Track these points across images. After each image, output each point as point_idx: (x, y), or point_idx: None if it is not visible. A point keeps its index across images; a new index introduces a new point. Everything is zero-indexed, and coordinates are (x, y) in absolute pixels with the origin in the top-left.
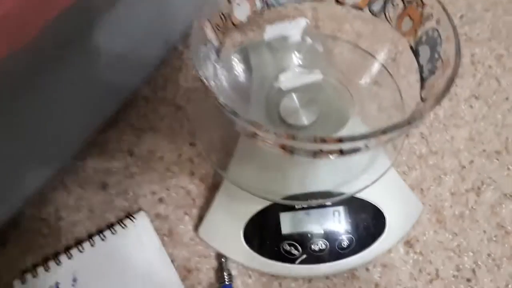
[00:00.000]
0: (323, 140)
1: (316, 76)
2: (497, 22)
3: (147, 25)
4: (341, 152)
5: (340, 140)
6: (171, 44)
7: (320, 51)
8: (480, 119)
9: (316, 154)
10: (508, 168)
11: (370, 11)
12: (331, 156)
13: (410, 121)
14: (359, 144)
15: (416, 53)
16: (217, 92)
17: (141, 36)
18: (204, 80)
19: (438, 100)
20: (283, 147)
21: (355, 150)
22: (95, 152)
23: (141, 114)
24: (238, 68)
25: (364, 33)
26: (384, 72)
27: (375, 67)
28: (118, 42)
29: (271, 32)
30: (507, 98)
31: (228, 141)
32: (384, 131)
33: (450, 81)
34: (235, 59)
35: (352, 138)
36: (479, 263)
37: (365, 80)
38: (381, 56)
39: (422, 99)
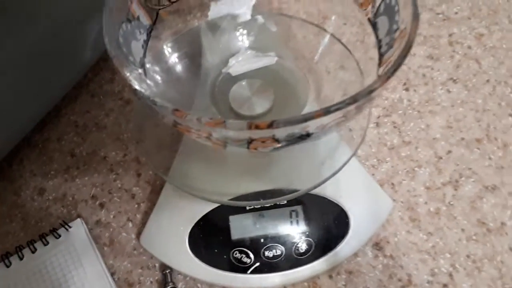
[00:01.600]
0: (252, 126)
1: (269, 59)
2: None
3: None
4: (277, 141)
5: (271, 124)
6: None
7: (273, 31)
8: (459, 105)
9: (249, 144)
10: (490, 158)
11: None
12: (266, 147)
13: (356, 99)
14: (296, 129)
15: (374, 26)
16: (134, 78)
17: (83, 17)
18: (116, 62)
19: (389, 75)
20: (211, 137)
21: (294, 138)
22: (33, 153)
23: (85, 109)
24: (175, 54)
25: (321, 10)
26: (346, 53)
27: (335, 47)
28: (58, 15)
29: (216, 10)
30: (488, 81)
31: (175, 140)
32: (326, 111)
33: (405, 50)
34: (172, 44)
35: (286, 122)
36: (457, 266)
37: (324, 62)
38: (341, 35)
39: (379, 77)
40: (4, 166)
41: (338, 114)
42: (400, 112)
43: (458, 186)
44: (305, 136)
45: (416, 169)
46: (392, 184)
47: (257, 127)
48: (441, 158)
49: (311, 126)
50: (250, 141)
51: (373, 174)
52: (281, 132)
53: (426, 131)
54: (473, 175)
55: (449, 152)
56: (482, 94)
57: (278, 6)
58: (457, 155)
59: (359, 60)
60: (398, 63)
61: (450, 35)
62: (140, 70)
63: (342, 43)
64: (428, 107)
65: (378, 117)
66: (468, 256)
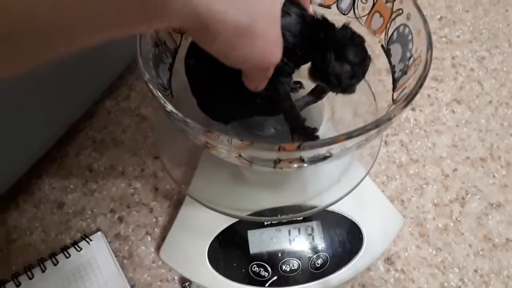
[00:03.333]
0: (282, 148)
1: None
2: (478, 24)
3: None
4: (303, 161)
5: (300, 147)
6: (135, 51)
7: None
8: (463, 125)
9: (276, 163)
10: (494, 176)
11: (338, 9)
12: (292, 166)
13: (378, 124)
14: (321, 151)
15: (388, 52)
16: (164, 98)
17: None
18: (149, 85)
19: (409, 100)
20: (240, 156)
21: (318, 159)
22: (52, 168)
23: (102, 126)
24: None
25: None
26: None
27: None
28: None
29: None
30: (490, 102)
31: (192, 155)
32: (348, 136)
33: (422, 79)
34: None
35: (313, 145)
36: (466, 280)
37: None
38: None
39: (394, 101)
40: (24, 179)
41: (360, 138)
42: (407, 131)
43: (464, 203)
44: (329, 157)
45: (424, 186)
46: (402, 200)
47: (285, 150)
48: (447, 176)
49: (335, 148)
50: (277, 162)
51: (383, 191)
52: (308, 154)
53: (432, 150)
54: (478, 192)
55: (455, 170)
56: (485, 115)
57: None
58: (462, 173)
59: (371, 84)
60: (415, 91)
61: (453, 57)
62: (167, 92)
63: None
64: (434, 127)
65: (387, 135)
66: (475, 271)
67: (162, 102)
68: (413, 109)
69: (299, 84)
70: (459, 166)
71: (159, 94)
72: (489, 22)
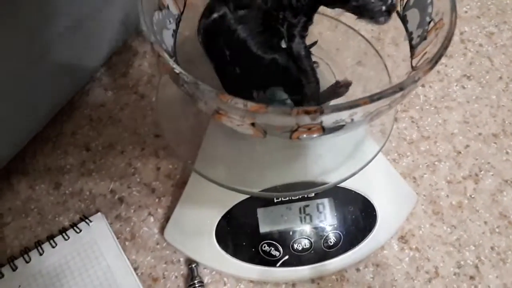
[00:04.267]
0: (303, 112)
1: None
2: None
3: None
4: (322, 128)
5: (322, 110)
6: (132, 25)
7: None
8: (474, 101)
9: (293, 132)
10: (507, 152)
11: None
12: (311, 135)
13: (402, 87)
14: (343, 115)
15: (404, 19)
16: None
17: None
18: (156, 47)
19: (434, 62)
20: (254, 125)
21: (337, 126)
22: (47, 147)
23: (99, 103)
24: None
25: None
26: (370, 50)
27: (360, 43)
28: (67, 10)
29: None
30: (500, 77)
31: (197, 130)
32: (372, 98)
33: (447, 40)
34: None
35: (335, 108)
36: (482, 258)
37: (349, 57)
38: (365, 31)
39: (414, 68)
40: (17, 159)
41: (384, 102)
42: (417, 107)
43: (478, 180)
44: (349, 124)
45: (436, 163)
46: (414, 178)
47: (306, 113)
48: (460, 152)
49: (358, 113)
50: (295, 129)
51: (395, 168)
52: (329, 119)
53: (443, 126)
54: (491, 169)
55: (467, 146)
56: (496, 91)
57: None
58: (475, 149)
59: (384, 59)
60: (440, 53)
61: (461, 33)
62: (173, 59)
63: (369, 42)
64: (444, 103)
65: (397, 112)
66: (492, 248)
67: (171, 64)
68: (422, 85)
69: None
70: (471, 142)
71: (167, 56)
72: None
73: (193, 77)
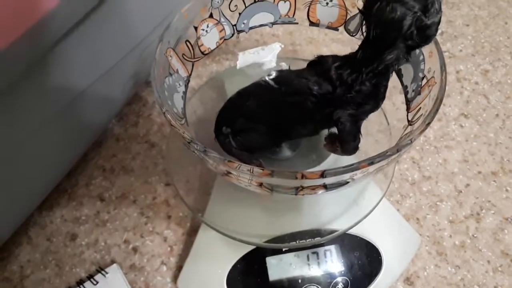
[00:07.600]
0: (305, 176)
1: None
2: (479, 37)
3: (113, 55)
4: (325, 187)
5: (323, 174)
6: (142, 78)
7: None
8: (472, 139)
9: (298, 190)
10: (507, 190)
11: (346, 31)
12: (315, 193)
13: (399, 149)
14: (344, 177)
15: (399, 73)
16: (183, 128)
17: (107, 67)
18: (168, 117)
19: (428, 121)
20: (261, 185)
21: (340, 184)
22: (62, 200)
23: (111, 153)
24: (211, 99)
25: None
26: None
27: None
28: (81, 73)
29: (244, 59)
30: (497, 115)
31: (206, 181)
32: (371, 162)
33: (439, 101)
34: (207, 90)
35: (336, 172)
36: None
37: None
38: None
39: (410, 122)
40: (34, 213)
41: (382, 163)
42: (417, 148)
43: (479, 218)
44: (350, 182)
45: (438, 203)
46: (417, 219)
47: (307, 178)
48: (460, 191)
49: (358, 174)
50: (300, 189)
51: (398, 210)
52: (330, 181)
53: (444, 166)
54: (492, 207)
55: (468, 185)
56: (493, 128)
57: (300, 53)
58: (475, 188)
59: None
60: (433, 114)
61: (457, 71)
62: (183, 121)
63: None
64: (443, 142)
65: None
66: None
67: (182, 133)
68: None
69: None
70: (471, 181)
71: (178, 125)
72: (490, 35)
73: (202, 145)
